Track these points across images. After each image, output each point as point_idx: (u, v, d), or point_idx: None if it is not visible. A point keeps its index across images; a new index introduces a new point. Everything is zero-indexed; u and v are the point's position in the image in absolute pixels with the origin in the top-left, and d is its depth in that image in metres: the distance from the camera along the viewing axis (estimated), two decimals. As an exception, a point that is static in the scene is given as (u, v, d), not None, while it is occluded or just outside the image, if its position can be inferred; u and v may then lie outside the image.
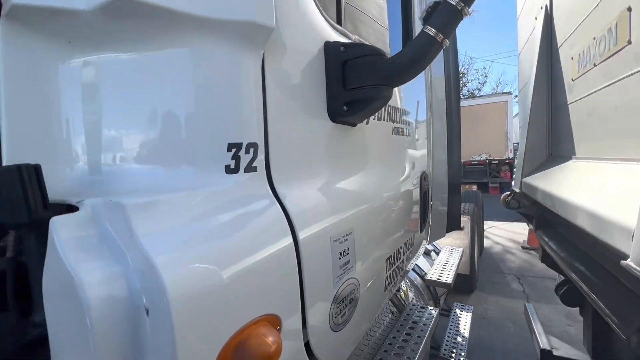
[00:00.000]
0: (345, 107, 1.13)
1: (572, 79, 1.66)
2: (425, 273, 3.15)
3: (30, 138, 0.61)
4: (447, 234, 2.73)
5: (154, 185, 0.69)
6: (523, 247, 7.09)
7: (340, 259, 1.04)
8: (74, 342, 0.50)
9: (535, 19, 2.26)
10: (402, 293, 2.58)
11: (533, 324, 2.78)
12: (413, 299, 2.72)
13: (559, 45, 1.85)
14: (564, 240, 1.82)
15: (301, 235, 0.87)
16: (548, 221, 2.14)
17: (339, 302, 1.04)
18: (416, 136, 2.18)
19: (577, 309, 2.57)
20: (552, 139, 2.01)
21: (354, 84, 1.11)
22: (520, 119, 3.17)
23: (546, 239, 1.99)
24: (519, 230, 8.62)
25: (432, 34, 1.00)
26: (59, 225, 0.52)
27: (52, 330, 0.52)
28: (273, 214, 0.82)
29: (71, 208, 0.59)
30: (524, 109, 2.39)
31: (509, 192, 2.36)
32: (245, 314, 0.66)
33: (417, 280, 3.05)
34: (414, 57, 1.04)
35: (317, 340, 0.93)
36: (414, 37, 2.14)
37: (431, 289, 3.20)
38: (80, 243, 0.52)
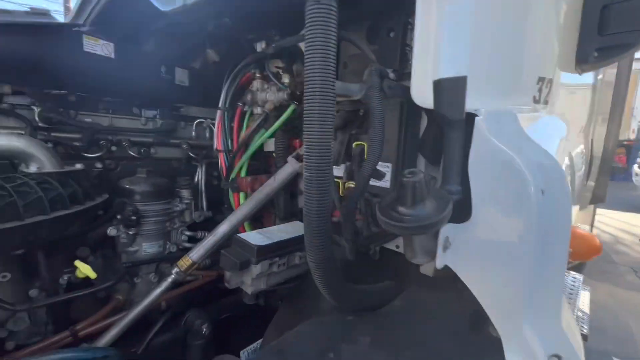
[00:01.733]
0: (595, 53, 1.15)
1: None
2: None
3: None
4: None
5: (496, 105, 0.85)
6: (642, 241, 6.24)
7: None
8: (496, 201, 0.71)
9: None
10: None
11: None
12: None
13: None
14: None
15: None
16: None
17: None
18: (587, 99, 2.06)
19: None
20: None
21: (614, 28, 1.12)
22: None
23: None
24: (634, 222, 7.52)
25: None
26: (480, 122, 0.72)
27: (476, 191, 0.73)
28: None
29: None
30: None
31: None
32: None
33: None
34: None
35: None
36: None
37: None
38: (496, 135, 0.72)
